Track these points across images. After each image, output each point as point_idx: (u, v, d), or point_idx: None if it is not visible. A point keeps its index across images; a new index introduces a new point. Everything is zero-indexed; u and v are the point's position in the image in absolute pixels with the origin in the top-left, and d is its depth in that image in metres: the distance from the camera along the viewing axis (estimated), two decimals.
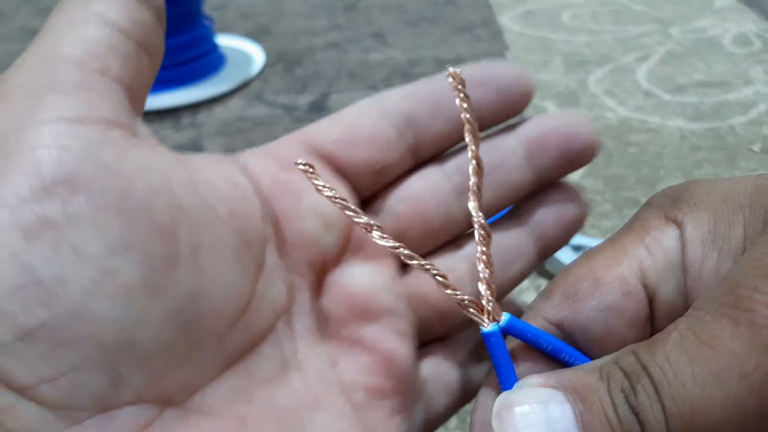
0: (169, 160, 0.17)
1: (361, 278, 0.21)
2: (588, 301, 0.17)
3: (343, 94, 0.66)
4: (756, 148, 0.54)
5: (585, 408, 0.14)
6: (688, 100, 0.61)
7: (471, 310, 0.18)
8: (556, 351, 0.18)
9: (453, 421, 0.35)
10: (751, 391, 0.13)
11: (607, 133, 0.57)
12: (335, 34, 0.78)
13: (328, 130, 0.21)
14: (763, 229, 0.15)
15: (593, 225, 0.47)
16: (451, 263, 0.22)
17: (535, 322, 0.18)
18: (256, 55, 0.72)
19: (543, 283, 0.42)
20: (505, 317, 0.18)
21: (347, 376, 0.20)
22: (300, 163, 0.18)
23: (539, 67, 0.69)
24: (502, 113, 0.22)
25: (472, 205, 0.19)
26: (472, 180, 0.19)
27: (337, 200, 0.18)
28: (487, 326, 0.18)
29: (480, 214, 0.19)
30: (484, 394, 0.18)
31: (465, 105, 0.19)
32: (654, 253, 0.17)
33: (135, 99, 0.17)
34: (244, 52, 0.73)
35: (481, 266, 0.19)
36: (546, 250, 0.23)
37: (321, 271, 0.21)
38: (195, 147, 0.57)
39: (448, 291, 0.18)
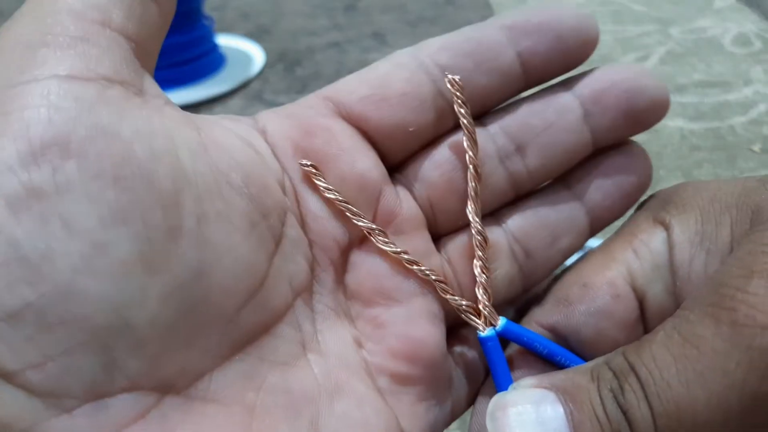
0: (176, 121, 0.16)
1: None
2: (578, 305, 0.17)
3: None
4: (756, 148, 0.54)
5: (576, 408, 0.14)
6: (688, 100, 0.61)
7: (469, 315, 0.18)
8: (552, 354, 0.18)
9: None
10: (733, 389, 0.13)
11: None
12: (335, 34, 0.78)
13: (355, 87, 0.19)
14: (749, 228, 0.15)
15: None
16: (492, 237, 0.20)
17: (529, 326, 0.18)
18: (256, 55, 0.73)
19: None
20: (501, 322, 0.18)
21: (372, 361, 0.18)
22: (304, 164, 0.18)
23: None
24: (559, 64, 0.19)
25: (470, 209, 0.19)
26: (471, 185, 0.19)
27: (341, 203, 0.18)
28: (484, 331, 0.18)
29: (477, 219, 0.19)
30: (481, 401, 0.19)
31: (463, 110, 0.19)
32: (642, 255, 0.17)
33: (143, 53, 0.16)
34: (244, 52, 0.73)
35: (477, 271, 0.19)
36: (600, 222, 0.20)
37: (346, 247, 0.19)
38: None
39: (448, 296, 0.18)
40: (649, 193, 0.20)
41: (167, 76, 0.64)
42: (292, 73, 0.70)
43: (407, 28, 0.80)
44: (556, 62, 0.19)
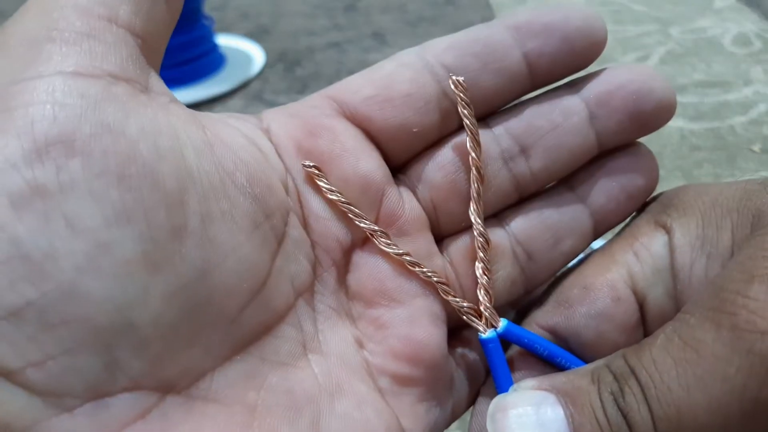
0: (182, 119, 0.16)
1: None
2: (579, 307, 0.17)
3: None
4: (756, 148, 0.54)
5: (576, 410, 0.15)
6: (688, 100, 0.61)
7: (470, 316, 0.18)
8: (553, 356, 0.18)
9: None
10: (733, 394, 0.13)
11: None
12: (335, 34, 0.78)
13: (359, 87, 0.19)
14: (750, 233, 0.15)
15: None
16: (494, 238, 0.19)
17: (529, 328, 0.18)
18: (256, 55, 0.73)
19: None
20: (502, 323, 0.18)
21: (373, 361, 0.18)
22: (307, 165, 0.18)
23: None
24: (566, 66, 0.19)
25: (472, 211, 0.19)
26: (473, 186, 0.19)
27: (343, 204, 0.18)
28: (485, 332, 0.18)
29: (479, 221, 0.19)
30: (481, 402, 0.19)
31: (466, 112, 0.19)
32: (642, 258, 0.17)
33: (150, 50, 0.16)
34: (244, 52, 0.73)
35: (479, 272, 0.19)
36: (604, 224, 0.20)
37: (349, 247, 0.19)
38: None
39: (449, 297, 0.18)
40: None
41: (167, 76, 0.63)
42: (292, 73, 0.70)
43: (407, 28, 0.80)
44: (563, 64, 0.19)
